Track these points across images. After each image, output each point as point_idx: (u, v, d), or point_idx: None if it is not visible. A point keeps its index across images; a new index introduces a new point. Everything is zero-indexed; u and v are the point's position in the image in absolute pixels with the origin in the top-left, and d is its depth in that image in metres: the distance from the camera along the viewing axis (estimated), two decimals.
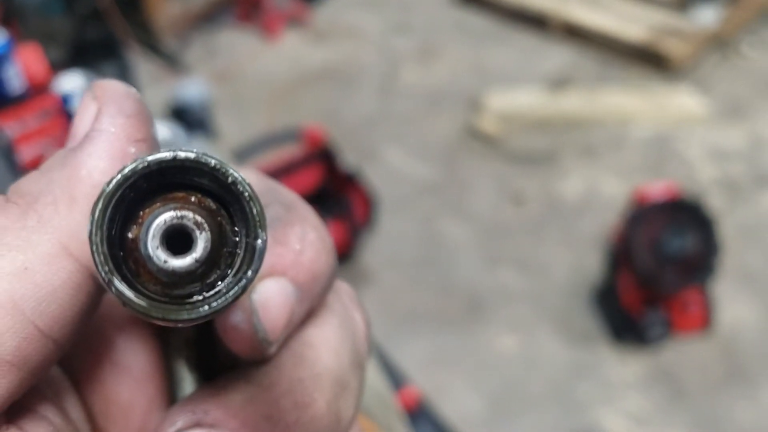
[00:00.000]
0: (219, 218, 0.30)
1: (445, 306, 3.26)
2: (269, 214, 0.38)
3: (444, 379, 2.96)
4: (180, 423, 0.35)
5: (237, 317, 0.35)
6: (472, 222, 3.64)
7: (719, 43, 4.60)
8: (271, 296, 0.36)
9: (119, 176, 0.28)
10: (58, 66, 2.93)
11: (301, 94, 4.51)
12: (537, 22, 4.87)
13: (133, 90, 0.37)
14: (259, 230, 0.29)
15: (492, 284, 3.34)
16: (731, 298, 3.15)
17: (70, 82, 2.47)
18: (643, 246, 2.93)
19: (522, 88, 4.37)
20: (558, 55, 4.68)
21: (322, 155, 3.35)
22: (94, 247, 0.28)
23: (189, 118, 3.54)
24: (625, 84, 4.39)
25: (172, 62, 4.69)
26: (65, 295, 0.33)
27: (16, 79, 2.34)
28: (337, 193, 3.34)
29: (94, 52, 4.13)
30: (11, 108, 2.33)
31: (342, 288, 0.43)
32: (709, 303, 3.02)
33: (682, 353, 3.02)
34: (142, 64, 4.50)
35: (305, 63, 4.78)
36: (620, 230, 3.08)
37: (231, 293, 0.29)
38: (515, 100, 4.27)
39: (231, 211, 0.30)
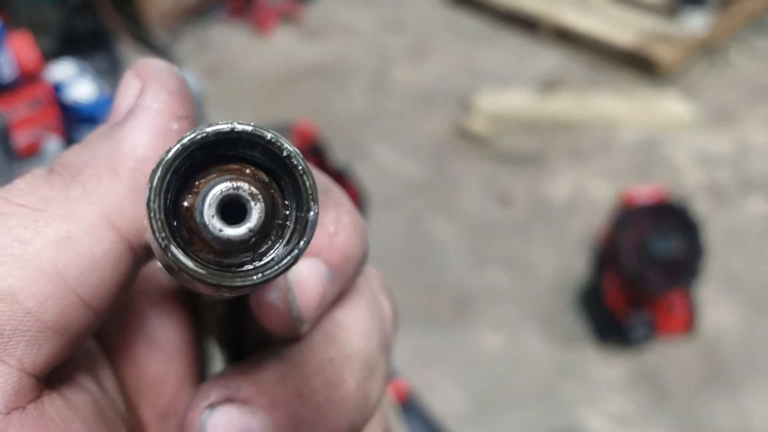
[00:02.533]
0: (271, 191, 0.31)
1: (432, 304, 3.27)
2: None
3: (430, 376, 2.97)
4: (213, 398, 0.35)
5: (272, 295, 0.36)
6: (460, 221, 3.66)
7: (708, 49, 4.64)
8: (305, 276, 0.37)
9: (178, 146, 0.29)
10: (48, 56, 2.92)
11: (291, 90, 4.51)
12: (528, 25, 4.89)
13: (175, 68, 0.38)
14: (312, 203, 0.30)
15: (479, 283, 3.35)
16: (714, 301, 3.18)
17: (63, 70, 2.46)
18: (628, 248, 2.95)
19: (512, 89, 4.39)
20: (548, 58, 4.70)
21: (312, 151, 3.35)
22: (152, 214, 0.29)
23: None
24: (614, 88, 4.41)
25: (162, 55, 4.68)
26: (106, 265, 0.33)
27: (7, 66, 2.33)
28: None
29: (85, 43, 4.11)
30: (2, 95, 2.32)
31: (371, 273, 0.44)
32: (693, 306, 3.05)
33: (665, 355, 3.05)
34: (133, 57, 4.48)
35: (296, 59, 4.78)
36: (606, 232, 3.10)
37: (283, 263, 0.30)
38: (505, 101, 4.28)
39: (282, 184, 0.31)
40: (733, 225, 3.57)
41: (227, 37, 4.97)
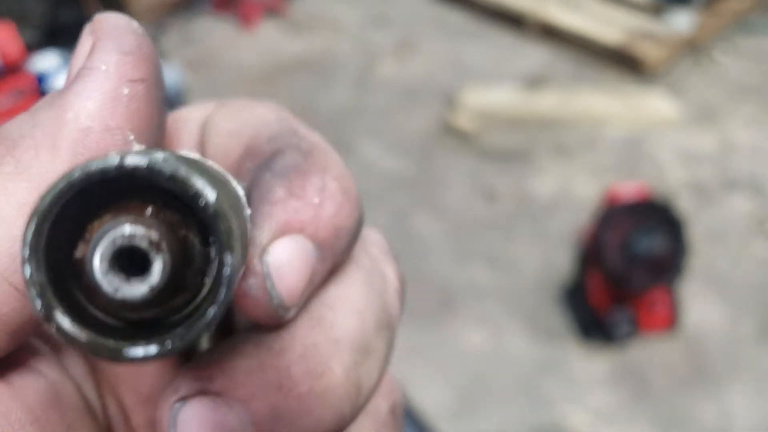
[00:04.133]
0: (183, 231, 0.25)
1: (416, 300, 3.27)
2: (284, 161, 0.35)
3: (412, 373, 2.97)
4: (183, 390, 0.31)
5: (248, 282, 0.31)
6: (445, 217, 3.65)
7: (693, 48, 4.66)
8: (287, 258, 0.32)
9: (53, 192, 0.24)
10: (31, 47, 2.89)
11: (276, 85, 4.49)
12: (514, 21, 4.89)
13: (135, 24, 0.33)
14: (226, 254, 0.24)
15: (463, 280, 3.35)
16: (697, 299, 3.20)
17: (46, 61, 2.44)
18: (612, 245, 2.96)
19: (498, 85, 4.39)
20: (534, 55, 4.71)
21: None
22: (28, 276, 0.23)
23: None
24: (600, 85, 4.43)
25: None
26: None
27: None
28: None
29: (69, 35, 4.08)
30: None
31: (370, 238, 0.39)
32: (676, 303, 3.06)
33: (648, 352, 3.06)
34: None
35: (282, 53, 4.76)
36: (591, 229, 3.11)
37: (189, 336, 0.24)
38: (491, 98, 4.28)
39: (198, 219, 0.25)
40: (717, 223, 3.59)
41: (212, 31, 4.94)
